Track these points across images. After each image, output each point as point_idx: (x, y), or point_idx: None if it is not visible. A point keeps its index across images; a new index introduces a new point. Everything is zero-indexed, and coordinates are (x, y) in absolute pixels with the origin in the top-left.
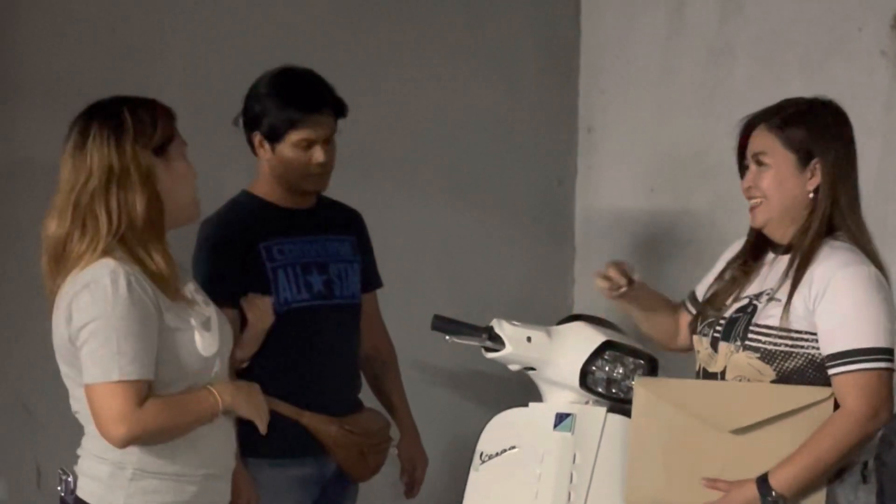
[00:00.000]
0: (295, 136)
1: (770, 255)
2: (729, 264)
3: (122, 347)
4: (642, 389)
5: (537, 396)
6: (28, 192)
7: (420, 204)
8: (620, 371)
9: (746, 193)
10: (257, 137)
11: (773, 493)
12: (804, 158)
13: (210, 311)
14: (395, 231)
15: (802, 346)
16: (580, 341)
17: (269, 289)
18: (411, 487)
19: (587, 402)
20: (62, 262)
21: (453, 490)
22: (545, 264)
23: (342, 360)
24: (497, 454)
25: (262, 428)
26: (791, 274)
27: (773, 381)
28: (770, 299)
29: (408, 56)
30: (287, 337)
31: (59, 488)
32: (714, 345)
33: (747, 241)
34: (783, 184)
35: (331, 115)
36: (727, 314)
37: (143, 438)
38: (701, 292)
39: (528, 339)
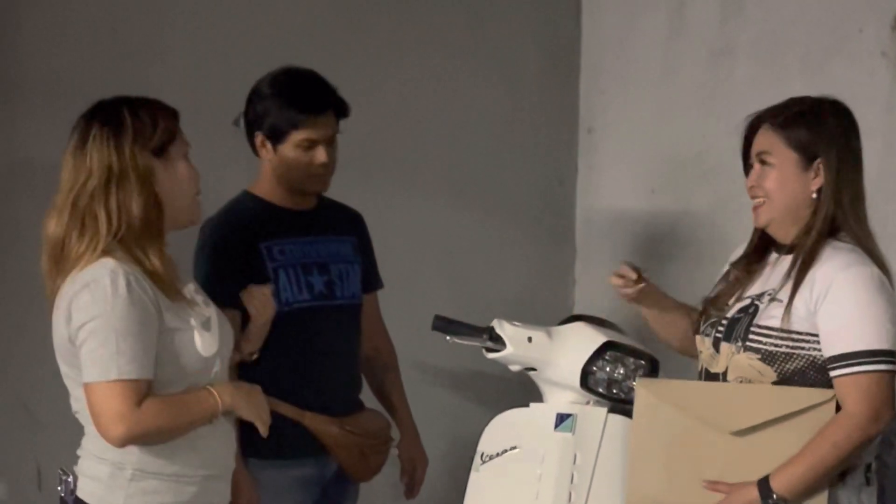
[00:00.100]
0: (297, 136)
1: (773, 255)
2: (733, 264)
3: (121, 347)
4: (643, 390)
5: (538, 397)
6: (28, 193)
7: (420, 204)
8: (621, 371)
9: (750, 193)
10: (259, 138)
11: (775, 496)
12: (807, 158)
13: (210, 311)
14: (395, 231)
15: (804, 348)
16: (581, 342)
17: None
18: (411, 488)
19: (588, 403)
20: (61, 261)
21: (454, 490)
22: (546, 265)
23: (343, 360)
24: (498, 454)
25: (263, 429)
26: (793, 275)
27: (773, 383)
28: (772, 300)
29: (408, 57)
30: (288, 337)
31: (59, 489)
32: (716, 345)
33: (751, 241)
34: (786, 184)
35: (333, 116)
36: (729, 314)
37: (141, 438)
38: None
39: (529, 339)
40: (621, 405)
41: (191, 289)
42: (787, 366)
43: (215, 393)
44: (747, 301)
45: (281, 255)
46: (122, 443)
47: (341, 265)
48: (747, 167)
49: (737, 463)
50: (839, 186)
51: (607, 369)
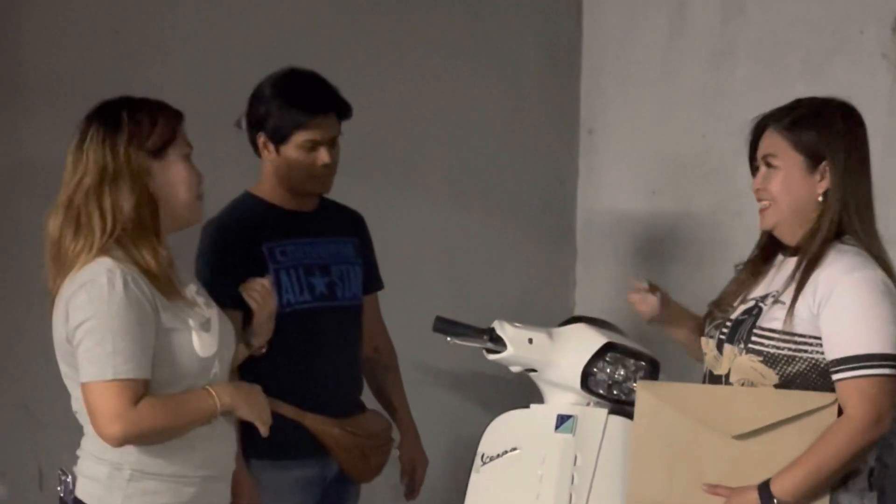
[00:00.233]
0: (300, 137)
1: (779, 257)
2: (739, 266)
3: (117, 346)
4: (645, 393)
5: (538, 398)
6: (29, 193)
7: (421, 205)
8: (622, 373)
9: (756, 195)
10: (261, 139)
11: (775, 501)
12: (813, 161)
13: (211, 312)
14: (396, 232)
15: (806, 351)
16: (582, 343)
17: None
18: (412, 489)
19: (588, 404)
20: (60, 261)
21: (454, 491)
22: (547, 266)
23: (344, 361)
24: (498, 456)
25: (263, 430)
26: (797, 277)
27: (775, 386)
28: (775, 302)
29: (409, 57)
30: (289, 338)
31: (58, 489)
32: (719, 347)
33: (759, 243)
34: (792, 187)
35: (335, 117)
36: (733, 316)
37: (138, 438)
38: None
39: (530, 340)
40: (622, 406)
41: (192, 290)
42: (789, 368)
43: (214, 393)
44: (751, 303)
45: (283, 256)
46: (119, 442)
47: (342, 266)
48: (754, 169)
49: (738, 466)
50: (845, 189)
51: (608, 370)
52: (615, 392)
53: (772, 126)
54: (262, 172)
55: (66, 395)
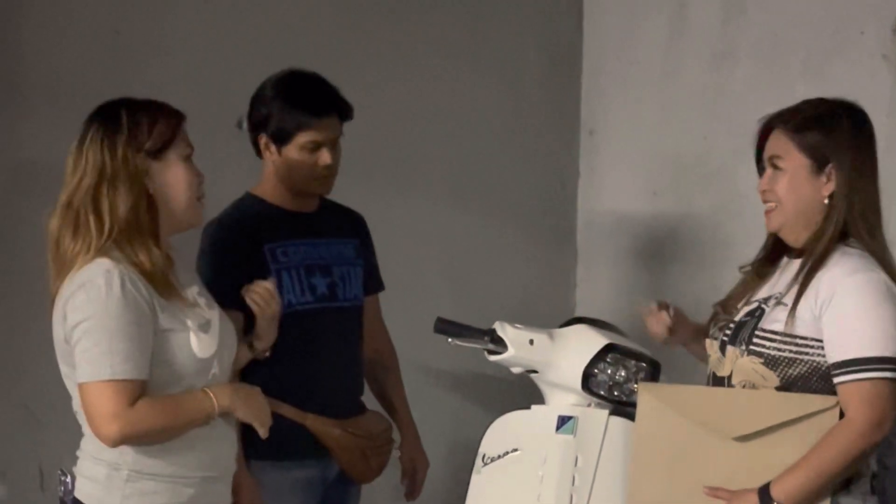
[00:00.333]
0: (302, 138)
1: (784, 259)
2: (745, 268)
3: (113, 347)
4: (646, 395)
5: (539, 399)
6: (29, 193)
7: (422, 207)
8: (623, 374)
9: (762, 197)
10: (263, 139)
11: None
12: (819, 163)
13: (213, 314)
14: (397, 234)
15: (807, 353)
16: (582, 344)
17: None
18: (413, 490)
19: (589, 405)
20: (60, 261)
21: (455, 492)
22: (547, 267)
23: (345, 362)
24: (499, 456)
25: (262, 432)
26: (800, 279)
27: (776, 388)
28: (777, 304)
29: (409, 59)
30: (290, 339)
31: (59, 489)
32: (722, 348)
33: (765, 245)
34: (797, 189)
35: (337, 118)
36: (737, 318)
37: (135, 438)
38: None
39: (531, 341)
40: (623, 407)
41: (194, 291)
42: (790, 371)
43: (211, 395)
44: (755, 304)
45: (284, 257)
46: (116, 442)
47: (344, 267)
48: (761, 169)
49: (739, 469)
50: (851, 192)
51: (609, 371)
52: (616, 393)
53: (778, 127)
54: (264, 173)
55: (66, 396)
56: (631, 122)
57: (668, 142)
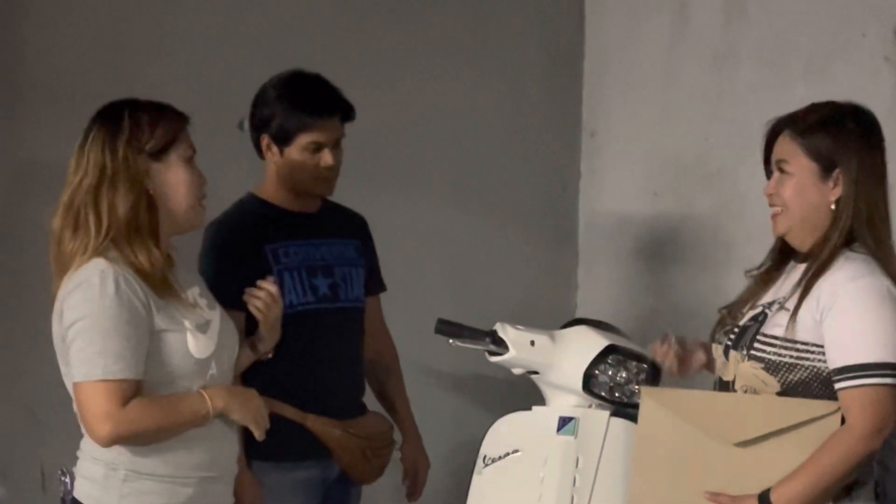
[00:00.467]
0: (304, 139)
1: (791, 263)
2: (751, 273)
3: (106, 347)
4: (648, 399)
5: (540, 400)
6: (30, 193)
7: (424, 208)
8: (624, 375)
9: (768, 201)
10: (265, 140)
11: None
12: (827, 168)
13: (213, 314)
14: (398, 235)
15: (808, 359)
16: (583, 345)
17: None
18: (414, 490)
19: (590, 406)
20: (60, 260)
21: (456, 493)
22: (549, 268)
23: (346, 363)
24: (500, 457)
25: (258, 434)
26: (803, 283)
27: (777, 394)
28: (780, 308)
29: (411, 60)
30: (291, 340)
31: (59, 489)
32: (726, 353)
33: (772, 248)
34: (804, 193)
35: (339, 119)
36: (741, 322)
37: (127, 438)
38: None
39: (532, 342)
40: (624, 409)
41: (195, 292)
42: (791, 376)
43: (206, 397)
44: (759, 309)
45: (286, 258)
46: (108, 442)
47: (345, 268)
48: (768, 172)
49: (740, 474)
50: (858, 198)
51: (610, 373)
52: (617, 394)
53: (786, 130)
54: (265, 174)
55: (68, 397)
56: (632, 123)
57: (670, 143)
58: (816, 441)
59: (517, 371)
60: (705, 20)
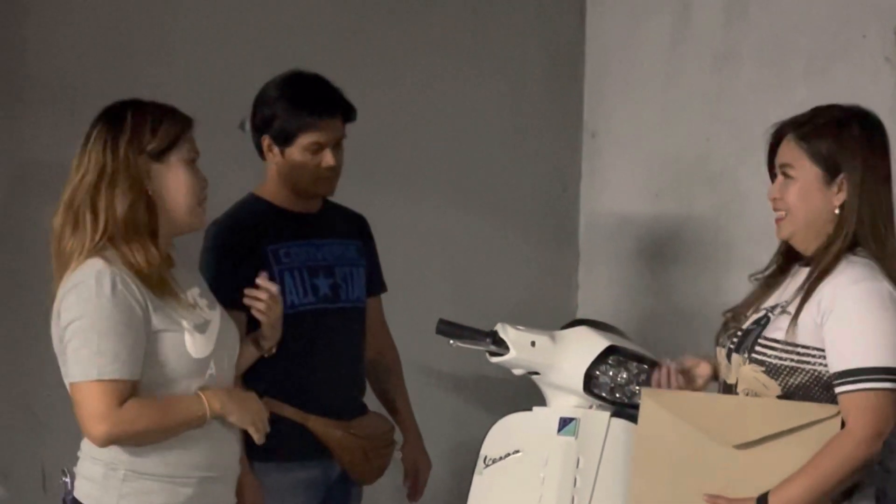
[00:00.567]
0: (305, 139)
1: (795, 267)
2: (756, 276)
3: (102, 347)
4: (649, 401)
5: (541, 400)
6: (31, 193)
7: (424, 208)
8: (624, 376)
9: (772, 205)
10: (266, 141)
11: None
12: (831, 173)
13: (213, 314)
14: (399, 235)
15: (809, 363)
16: (584, 346)
17: None
18: (415, 491)
19: (591, 407)
20: (60, 258)
21: (456, 494)
22: (549, 269)
23: (347, 363)
24: (501, 458)
25: (257, 437)
26: (805, 287)
27: (778, 397)
28: (782, 312)
29: (411, 60)
30: (292, 340)
31: (61, 489)
32: (729, 356)
33: (777, 252)
34: (808, 198)
35: (340, 120)
36: (745, 325)
37: (123, 438)
38: None
39: (533, 343)
40: (624, 409)
41: (195, 291)
42: (791, 380)
43: (204, 398)
44: (762, 313)
45: (286, 258)
46: (104, 442)
47: (346, 268)
48: (773, 175)
49: (739, 477)
50: (862, 203)
51: (610, 373)
52: (618, 395)
53: (790, 135)
54: (266, 174)
55: (68, 397)
56: (633, 123)
57: (670, 143)
58: (816, 444)
59: (518, 372)
60: (706, 20)
